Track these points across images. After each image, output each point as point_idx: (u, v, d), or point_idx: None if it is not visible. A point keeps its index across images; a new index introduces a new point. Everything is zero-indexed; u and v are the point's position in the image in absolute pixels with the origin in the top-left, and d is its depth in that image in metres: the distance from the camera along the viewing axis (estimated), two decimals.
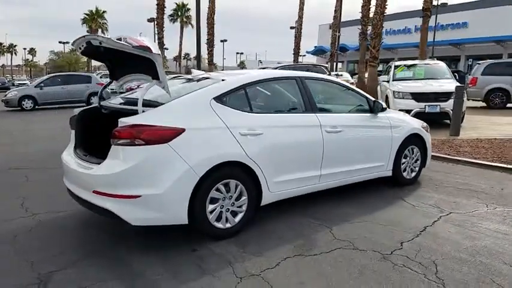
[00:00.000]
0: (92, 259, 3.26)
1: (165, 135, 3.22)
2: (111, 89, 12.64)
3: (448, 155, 6.91)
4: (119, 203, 3.18)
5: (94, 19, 52.16)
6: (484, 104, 15.03)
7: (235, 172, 3.58)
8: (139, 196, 3.16)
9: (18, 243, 3.58)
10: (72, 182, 3.69)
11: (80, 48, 3.75)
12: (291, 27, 50.37)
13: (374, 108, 4.77)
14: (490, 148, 7.40)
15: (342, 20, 44.00)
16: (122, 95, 4.49)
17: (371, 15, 18.84)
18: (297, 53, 34.28)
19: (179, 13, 53.88)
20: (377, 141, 4.81)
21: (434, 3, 25.16)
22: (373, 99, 4.87)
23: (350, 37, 37.76)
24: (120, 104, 4.09)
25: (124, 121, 3.23)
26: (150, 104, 3.47)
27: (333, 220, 4.01)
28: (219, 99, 3.64)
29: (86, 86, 18.24)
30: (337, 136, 4.30)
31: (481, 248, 3.38)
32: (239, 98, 3.80)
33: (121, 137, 3.20)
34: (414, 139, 5.20)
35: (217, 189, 3.48)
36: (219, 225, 3.53)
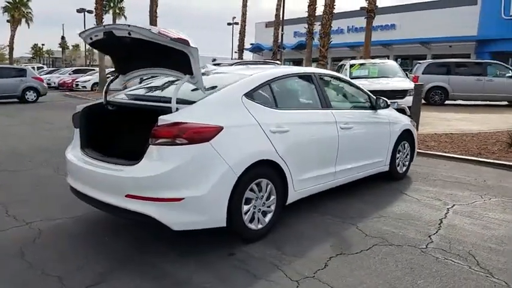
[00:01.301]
0: (123, 269, 2.97)
1: (207, 134, 3.00)
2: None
3: (420, 149, 7.30)
4: (159, 207, 2.92)
5: (17, 7, 47.59)
6: (423, 102, 16.15)
7: (266, 171, 3.45)
8: (182, 199, 2.92)
9: (29, 256, 3.16)
10: (88, 184, 3.31)
11: (91, 39, 3.39)
12: (228, 24, 50.14)
13: (376, 105, 4.88)
14: (452, 142, 7.96)
15: (276, 19, 44.80)
16: (125, 90, 4.12)
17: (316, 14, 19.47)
18: (241, 49, 34.26)
19: (111, 4, 51.10)
20: (379, 137, 4.93)
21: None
22: (375, 96, 4.98)
23: (285, 36, 38.64)
24: (131, 100, 3.75)
25: (165, 119, 2.96)
26: (180, 101, 3.21)
27: (352, 217, 4.03)
28: (249, 95, 3.48)
29: (19, 80, 16.62)
30: (349, 132, 4.33)
31: (501, 237, 3.59)
32: (266, 94, 3.67)
33: (162, 135, 2.93)
34: (406, 135, 5.41)
35: (251, 189, 3.33)
36: (252, 226, 3.39)
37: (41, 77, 20.30)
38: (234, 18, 50.36)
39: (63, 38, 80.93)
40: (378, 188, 5.03)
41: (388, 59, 42.60)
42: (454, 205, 4.43)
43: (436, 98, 15.39)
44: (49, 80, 26.84)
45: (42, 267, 2.97)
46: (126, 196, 2.99)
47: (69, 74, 29.04)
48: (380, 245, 3.39)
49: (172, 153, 2.94)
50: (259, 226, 3.44)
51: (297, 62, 36.37)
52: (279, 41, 28.95)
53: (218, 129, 3.06)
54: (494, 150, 7.09)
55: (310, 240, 3.50)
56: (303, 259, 3.14)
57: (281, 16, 26.97)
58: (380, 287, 2.74)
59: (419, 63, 16.24)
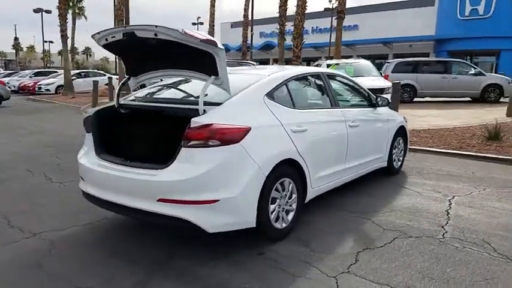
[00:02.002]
0: (160, 275, 2.91)
1: (238, 135, 3.01)
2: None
3: None
4: (194, 210, 2.90)
5: None
6: None
7: (288, 170, 3.49)
8: (217, 200, 2.91)
9: (50, 268, 3.05)
10: (111, 190, 3.22)
11: (106, 40, 3.31)
12: (193, 24, 49.55)
13: (376, 103, 5.03)
14: (432, 137, 8.32)
15: (239, 20, 44.93)
16: (134, 93, 4.02)
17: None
18: None
19: (71, 3, 49.25)
20: (380, 133, 5.10)
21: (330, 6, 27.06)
22: (374, 94, 5.14)
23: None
24: (147, 102, 3.69)
25: (197, 121, 2.93)
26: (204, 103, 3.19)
27: (365, 212, 4.15)
28: (270, 95, 3.51)
29: None
30: (356, 130, 4.45)
31: (506, 224, 3.82)
32: (284, 94, 3.72)
33: (195, 137, 2.91)
34: (400, 131, 5.61)
35: (276, 189, 3.37)
36: (277, 225, 3.42)
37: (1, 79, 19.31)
38: (198, 18, 49.99)
39: (16, 39, 77.18)
40: (379, 183, 5.19)
41: (350, 58, 43.94)
42: (454, 196, 4.65)
43: (405, 95, 15.96)
44: (8, 83, 25.51)
45: (67, 279, 2.87)
46: (158, 200, 2.94)
47: (30, 77, 27.74)
48: (400, 238, 3.51)
49: (206, 155, 2.93)
50: (284, 225, 3.48)
51: (264, 63, 36.48)
52: (248, 41, 29.03)
53: (247, 130, 3.08)
54: (474, 144, 7.48)
55: (333, 236, 3.57)
56: (332, 255, 3.21)
57: (250, 16, 27.04)
58: (414, 277, 2.85)
59: (388, 62, 16.81)
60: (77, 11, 49.61)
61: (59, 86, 24.02)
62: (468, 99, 16.31)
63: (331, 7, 32.91)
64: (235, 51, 44.15)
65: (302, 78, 4.18)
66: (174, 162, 2.97)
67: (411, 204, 4.41)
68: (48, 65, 62.88)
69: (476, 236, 3.53)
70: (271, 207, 3.32)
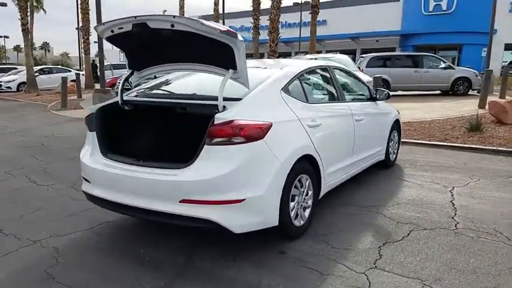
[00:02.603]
0: (184, 278, 2.78)
1: (261, 131, 2.91)
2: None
3: None
4: (220, 210, 2.78)
5: None
6: None
7: (305, 166, 3.43)
8: (243, 200, 2.80)
9: (65, 279, 2.83)
10: (125, 192, 3.04)
11: (112, 32, 3.11)
12: None
13: (376, 97, 5.05)
14: (415, 130, 8.50)
15: (208, 14, 44.33)
16: (137, 88, 3.82)
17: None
18: None
19: None
20: (380, 127, 5.13)
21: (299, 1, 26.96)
22: (373, 88, 5.16)
23: None
24: (155, 98, 3.51)
25: (221, 117, 2.80)
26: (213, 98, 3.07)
27: (373, 206, 4.16)
28: (286, 90, 3.43)
29: None
30: (361, 124, 4.44)
31: (510, 213, 3.92)
32: (298, 88, 3.65)
33: (219, 135, 2.78)
34: (395, 124, 5.68)
35: (295, 186, 3.29)
36: (296, 223, 3.35)
37: None
38: (164, 11, 48.91)
39: None
40: (377, 176, 5.22)
41: (321, 53, 44.41)
42: (453, 187, 4.75)
43: None
44: None
45: None
46: (181, 201, 2.80)
47: None
48: (416, 231, 3.53)
49: (231, 153, 2.81)
50: (301, 222, 3.42)
51: None
52: None
53: (269, 126, 2.98)
54: (457, 135, 7.70)
55: (349, 231, 3.54)
56: (354, 251, 3.17)
57: (221, 10, 26.68)
58: (441, 269, 2.86)
59: (363, 57, 17.08)
60: (35, 3, 47.35)
61: (21, 83, 22.86)
62: (438, 92, 16.84)
63: (299, 1, 33.06)
64: None
65: (312, 72, 4.12)
66: (196, 161, 2.83)
67: (415, 196, 4.46)
68: (4, 61, 59.69)
69: (487, 226, 3.60)
70: (291, 204, 3.25)
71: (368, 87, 5.11)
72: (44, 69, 25.71)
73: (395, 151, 5.85)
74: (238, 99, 3.05)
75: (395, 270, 2.87)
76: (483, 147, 6.78)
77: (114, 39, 3.30)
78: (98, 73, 16.30)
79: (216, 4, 30.20)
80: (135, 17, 2.97)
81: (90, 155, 3.36)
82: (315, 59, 12.37)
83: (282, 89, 3.38)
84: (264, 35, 34.65)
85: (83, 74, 24.32)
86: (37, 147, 7.56)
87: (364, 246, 3.25)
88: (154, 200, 2.90)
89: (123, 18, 3.04)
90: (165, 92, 3.74)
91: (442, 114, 10.48)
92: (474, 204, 4.18)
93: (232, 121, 2.81)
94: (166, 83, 3.97)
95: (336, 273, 2.84)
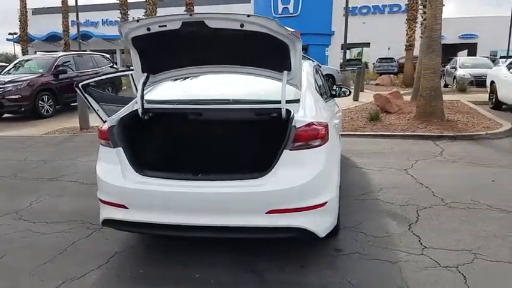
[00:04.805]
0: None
1: (328, 132, 2.90)
2: None
3: None
4: (310, 216, 2.68)
5: None
6: None
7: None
8: (326, 203, 2.75)
9: None
10: (193, 211, 2.66)
11: (148, 30, 2.70)
12: None
13: (337, 93, 5.39)
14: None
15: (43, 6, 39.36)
16: (147, 96, 3.30)
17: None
18: (25, 40, 28.76)
19: None
20: (339, 123, 5.49)
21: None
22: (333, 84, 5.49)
23: (36, 26, 35.34)
24: (182, 105, 3.13)
25: (301, 120, 2.69)
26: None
27: (365, 193, 4.49)
28: (315, 88, 3.45)
29: None
30: (335, 121, 4.70)
31: (469, 186, 4.70)
32: (315, 87, 3.67)
33: (302, 138, 2.67)
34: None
35: None
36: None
37: None
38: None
39: None
40: None
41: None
42: (405, 169, 5.42)
43: None
44: None
45: None
46: (268, 212, 2.59)
47: None
48: (421, 210, 3.95)
49: (313, 156, 2.73)
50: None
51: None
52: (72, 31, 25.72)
53: (327, 126, 2.98)
54: (363, 125, 8.71)
55: (370, 220, 3.74)
56: (393, 237, 3.41)
57: (75, 1, 23.88)
58: (472, 238, 3.32)
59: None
60: None
61: None
62: None
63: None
64: (40, 42, 39.05)
65: (316, 71, 4.20)
66: (278, 168, 2.65)
67: (388, 180, 4.95)
68: None
69: (465, 198, 4.25)
70: None
71: (329, 85, 5.42)
72: None
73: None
74: (296, 101, 2.96)
75: (443, 246, 3.21)
76: (392, 133, 7.85)
77: (138, 39, 2.83)
78: None
79: None
80: (190, 15, 2.60)
81: (122, 176, 2.78)
82: None
83: (314, 88, 3.39)
84: None
85: None
86: None
87: (397, 231, 3.52)
88: (233, 214, 2.62)
89: (174, 16, 2.64)
90: (191, 98, 3.33)
91: None
92: (436, 181, 4.85)
93: (311, 123, 2.73)
94: (181, 88, 3.53)
95: (403, 259, 3.03)
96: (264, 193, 2.60)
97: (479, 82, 15.79)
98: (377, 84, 21.09)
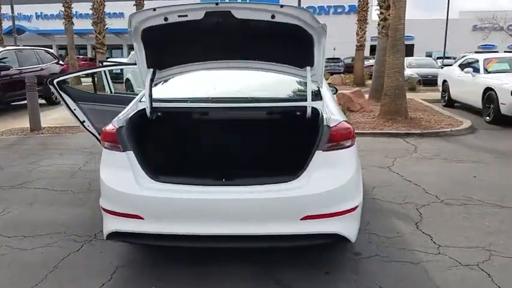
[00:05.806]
0: None
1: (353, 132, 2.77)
2: None
3: None
4: (342, 221, 2.55)
5: None
6: None
7: None
8: (356, 207, 2.63)
9: None
10: (219, 220, 2.42)
11: (166, 20, 2.44)
12: None
13: None
14: None
15: None
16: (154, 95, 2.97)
17: None
18: None
19: None
20: None
21: None
22: None
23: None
24: (185, 102, 2.86)
25: (336, 119, 2.55)
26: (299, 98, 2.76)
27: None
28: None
29: None
30: None
31: (456, 181, 4.83)
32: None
33: (337, 139, 2.53)
34: None
35: None
36: None
37: None
38: None
39: None
40: None
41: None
42: (388, 167, 5.49)
43: None
44: None
45: None
46: (302, 218, 2.40)
47: None
48: (421, 208, 3.98)
49: (346, 157, 2.60)
50: None
51: None
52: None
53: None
54: None
55: (377, 220, 3.68)
56: (405, 236, 3.38)
57: None
58: (480, 235, 3.37)
59: None
60: None
61: None
62: None
63: None
64: None
65: None
66: (310, 170, 2.47)
67: (376, 178, 4.94)
68: None
69: (458, 194, 4.35)
70: None
71: None
72: None
73: None
74: (318, 99, 2.81)
75: (456, 244, 3.22)
76: (362, 131, 7.96)
77: (150, 31, 2.53)
78: None
79: None
80: (216, 3, 2.34)
81: (137, 183, 2.45)
82: None
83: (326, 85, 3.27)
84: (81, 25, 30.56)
85: None
86: None
87: (406, 230, 3.50)
88: (263, 222, 2.40)
89: (196, 4, 2.36)
90: (205, 96, 3.05)
91: None
92: (422, 179, 4.93)
93: (344, 122, 2.59)
94: (193, 85, 3.23)
95: (424, 259, 2.99)
96: (300, 197, 2.42)
97: (426, 81, 16.70)
98: (329, 84, 21.53)
